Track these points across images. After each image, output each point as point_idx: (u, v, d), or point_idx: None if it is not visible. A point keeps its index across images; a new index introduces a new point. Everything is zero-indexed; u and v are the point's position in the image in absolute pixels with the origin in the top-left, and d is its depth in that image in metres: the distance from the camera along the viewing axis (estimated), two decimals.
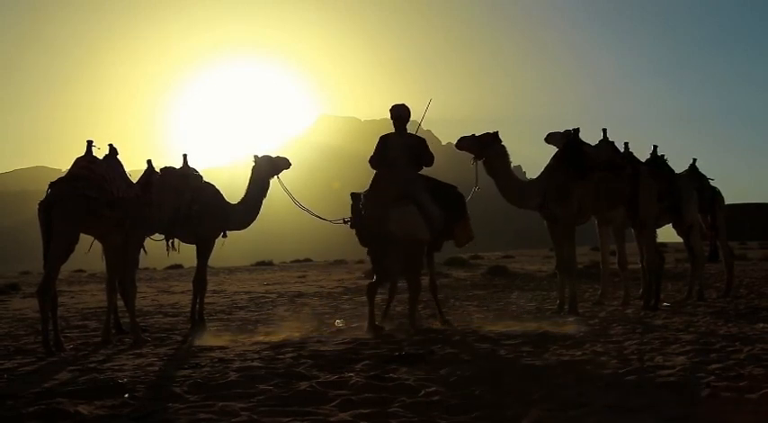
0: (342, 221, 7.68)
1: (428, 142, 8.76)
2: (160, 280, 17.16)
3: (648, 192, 8.71)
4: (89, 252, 7.29)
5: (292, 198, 8.22)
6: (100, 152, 7.11)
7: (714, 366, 4.63)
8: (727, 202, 10.46)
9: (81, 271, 21.68)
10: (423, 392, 4.13)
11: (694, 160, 10.35)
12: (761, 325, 6.77)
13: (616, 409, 3.62)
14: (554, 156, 8.51)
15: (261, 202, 8.16)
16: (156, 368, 5.33)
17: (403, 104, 7.77)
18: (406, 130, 7.68)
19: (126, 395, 4.27)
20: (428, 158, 7.57)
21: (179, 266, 21.99)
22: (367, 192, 7.41)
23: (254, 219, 8.20)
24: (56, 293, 6.75)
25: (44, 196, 6.66)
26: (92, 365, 5.56)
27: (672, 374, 4.39)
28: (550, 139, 8.65)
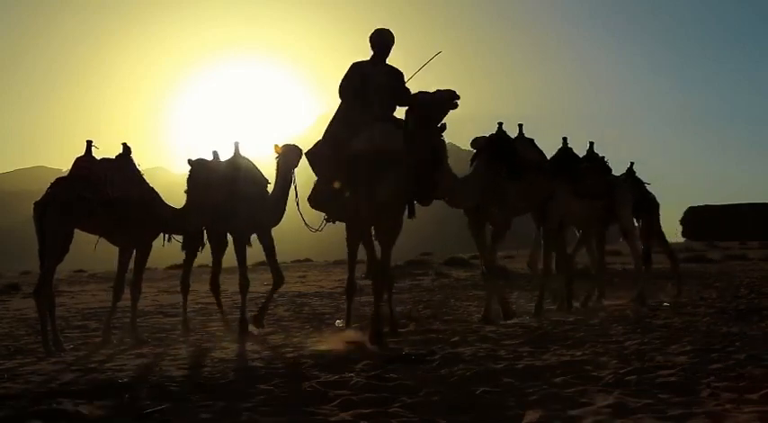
0: (323, 224, 7.22)
1: None
2: (161, 280, 17.16)
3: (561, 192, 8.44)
4: (95, 251, 7.30)
5: (296, 196, 7.66)
6: (99, 152, 7.11)
7: (714, 366, 4.63)
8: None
9: (81, 271, 21.67)
10: (423, 392, 4.12)
11: (631, 164, 10.05)
12: (761, 325, 6.76)
13: (616, 409, 3.61)
14: (482, 152, 7.89)
15: (287, 196, 7.58)
16: (157, 368, 5.33)
17: (388, 30, 6.91)
18: (384, 61, 6.91)
19: (126, 395, 4.27)
20: (405, 96, 6.75)
21: (179, 267, 21.97)
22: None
23: (282, 213, 7.66)
24: (53, 293, 6.77)
25: (41, 196, 6.70)
26: (92, 365, 5.56)
27: (672, 374, 4.38)
28: (475, 144, 7.98)
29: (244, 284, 7.41)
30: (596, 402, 3.77)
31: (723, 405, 3.63)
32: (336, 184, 6.67)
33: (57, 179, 6.87)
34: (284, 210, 7.61)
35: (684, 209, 60.91)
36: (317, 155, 6.83)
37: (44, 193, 6.70)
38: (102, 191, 6.75)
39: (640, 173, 10.13)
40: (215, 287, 7.89)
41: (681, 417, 3.46)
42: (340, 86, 6.84)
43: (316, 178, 7.06)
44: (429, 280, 15.27)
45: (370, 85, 6.71)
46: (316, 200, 6.96)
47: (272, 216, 7.56)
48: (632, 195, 9.57)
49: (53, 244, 6.54)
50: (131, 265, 7.32)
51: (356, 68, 6.82)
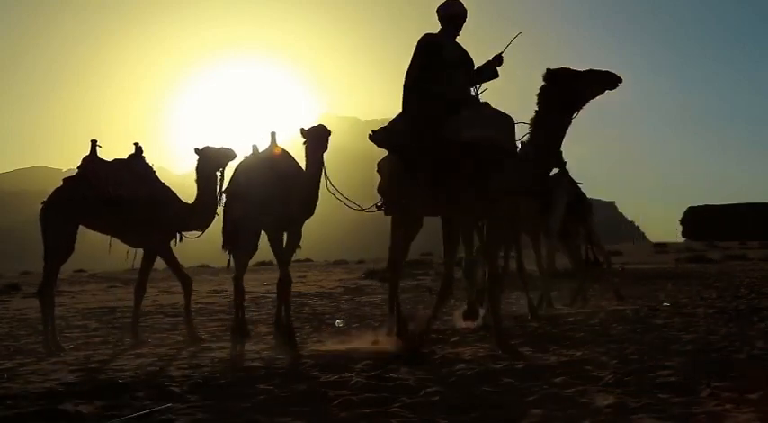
0: (374, 208, 6.48)
1: None
2: (161, 280, 17.16)
3: None
4: (108, 252, 7.25)
5: (327, 180, 6.78)
6: (101, 151, 7.10)
7: (714, 366, 4.63)
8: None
9: (81, 271, 21.68)
10: (423, 392, 4.12)
11: (564, 164, 9.24)
12: (761, 325, 6.76)
13: (616, 409, 3.62)
14: None
15: (318, 184, 6.67)
16: (156, 368, 5.33)
17: (458, 1, 6.07)
18: (455, 37, 6.09)
19: (126, 395, 4.27)
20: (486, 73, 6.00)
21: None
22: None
23: (315, 204, 6.75)
24: (53, 294, 6.79)
25: (48, 196, 6.77)
26: (92, 365, 5.56)
27: (672, 374, 4.38)
28: None
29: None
30: (596, 402, 3.77)
31: (723, 405, 3.62)
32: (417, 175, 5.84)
33: (64, 179, 6.93)
34: (316, 200, 6.76)
35: (684, 209, 60.95)
36: (392, 141, 6.02)
37: (51, 193, 6.78)
38: (104, 190, 6.75)
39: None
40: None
41: (681, 417, 3.46)
42: (414, 59, 6.00)
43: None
44: (429, 280, 15.25)
45: (447, 57, 5.95)
46: (398, 189, 6.10)
47: (302, 208, 6.72)
48: (566, 196, 9.06)
49: (55, 243, 6.58)
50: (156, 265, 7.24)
51: (429, 37, 6.02)
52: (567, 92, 5.54)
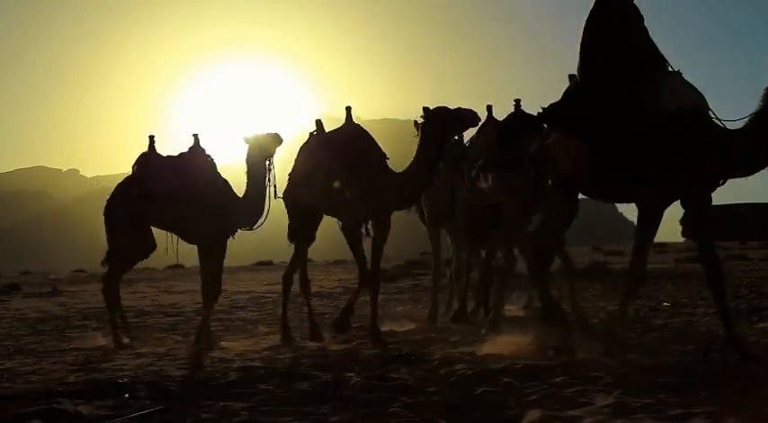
0: None
1: None
2: (161, 280, 17.17)
3: None
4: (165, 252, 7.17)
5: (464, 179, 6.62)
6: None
7: (714, 366, 4.63)
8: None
9: (81, 271, 21.72)
10: (423, 392, 4.13)
11: None
12: (761, 325, 6.76)
13: (616, 409, 3.62)
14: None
15: (433, 173, 6.09)
16: (156, 368, 5.33)
17: None
18: None
19: (126, 395, 4.27)
20: None
21: (179, 267, 21.99)
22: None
23: (414, 194, 6.24)
24: (117, 289, 7.01)
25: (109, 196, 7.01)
26: (92, 365, 5.57)
27: (672, 374, 4.39)
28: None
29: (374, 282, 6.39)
30: (596, 402, 3.77)
31: (723, 405, 3.63)
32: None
33: (126, 177, 7.01)
34: (422, 190, 6.25)
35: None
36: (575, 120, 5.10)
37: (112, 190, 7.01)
38: (149, 186, 6.65)
39: None
40: (287, 282, 6.96)
41: (681, 417, 3.46)
42: (596, 19, 5.09)
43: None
44: (429, 280, 15.25)
45: (632, 24, 5.07)
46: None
47: (395, 196, 6.15)
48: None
49: (122, 242, 6.77)
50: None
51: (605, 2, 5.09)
52: None
